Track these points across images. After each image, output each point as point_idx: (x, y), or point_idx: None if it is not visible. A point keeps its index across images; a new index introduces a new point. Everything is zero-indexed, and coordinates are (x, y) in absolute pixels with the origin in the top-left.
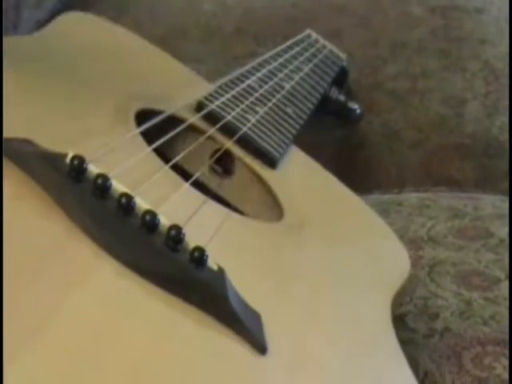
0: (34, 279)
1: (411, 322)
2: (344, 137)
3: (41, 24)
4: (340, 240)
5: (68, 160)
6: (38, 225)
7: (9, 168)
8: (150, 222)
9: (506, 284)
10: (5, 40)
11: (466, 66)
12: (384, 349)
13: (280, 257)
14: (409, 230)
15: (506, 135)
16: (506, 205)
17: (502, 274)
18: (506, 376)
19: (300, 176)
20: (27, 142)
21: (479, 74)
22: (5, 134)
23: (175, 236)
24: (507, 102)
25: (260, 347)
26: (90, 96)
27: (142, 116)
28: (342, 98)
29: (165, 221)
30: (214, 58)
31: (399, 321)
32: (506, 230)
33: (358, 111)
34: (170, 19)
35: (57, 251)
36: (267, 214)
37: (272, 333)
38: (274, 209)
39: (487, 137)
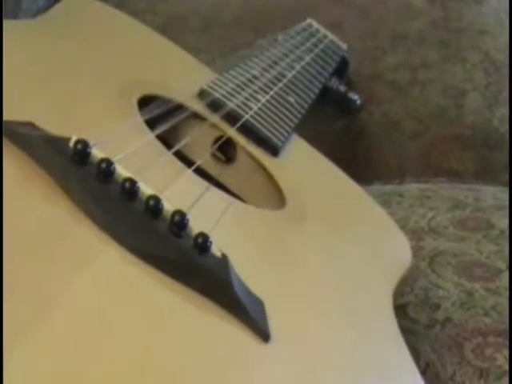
0: (38, 262)
1: (412, 313)
2: (344, 127)
3: (40, 13)
4: (342, 229)
5: (72, 144)
6: (42, 208)
7: (12, 151)
8: (153, 207)
9: (507, 275)
10: (7, 23)
11: (466, 57)
12: (386, 337)
13: (283, 245)
14: (410, 221)
15: (507, 126)
16: (507, 196)
17: (503, 265)
18: (507, 367)
19: (302, 165)
20: (30, 124)
21: (479, 65)
22: (7, 117)
23: (179, 221)
24: (507, 94)
25: (263, 334)
26: (94, 80)
27: (144, 101)
28: (342, 88)
29: (168, 206)
30: (212, 48)
31: (400, 311)
32: (507, 221)
33: (358, 102)
34: (170, 9)
35: (60, 235)
36: (269, 202)
37: (274, 320)
38: (275, 197)
39: (487, 128)
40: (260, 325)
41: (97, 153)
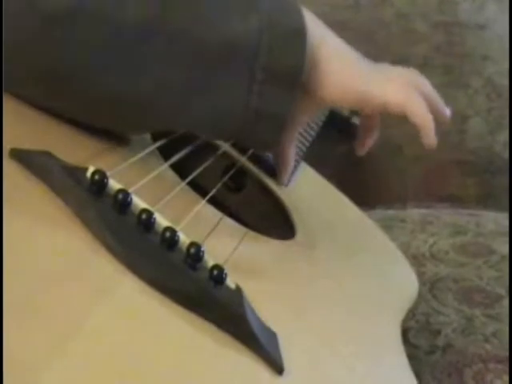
0: (57, 293)
1: (413, 338)
2: (345, 152)
3: None
4: (351, 259)
5: (89, 174)
6: (61, 238)
7: (30, 180)
8: (169, 238)
9: (507, 301)
10: None
11: (469, 83)
12: (395, 369)
13: (294, 275)
14: (411, 247)
15: (508, 152)
16: (507, 222)
17: (504, 291)
18: None
19: (310, 192)
20: (47, 154)
21: (482, 90)
22: (24, 146)
23: (195, 254)
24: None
25: (277, 367)
26: None
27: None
28: (345, 112)
29: (184, 238)
30: None
31: (401, 336)
32: (508, 246)
33: (357, 125)
34: None
35: (79, 265)
36: (279, 230)
37: (287, 352)
38: (285, 225)
39: (489, 153)
40: (274, 357)
41: (114, 183)
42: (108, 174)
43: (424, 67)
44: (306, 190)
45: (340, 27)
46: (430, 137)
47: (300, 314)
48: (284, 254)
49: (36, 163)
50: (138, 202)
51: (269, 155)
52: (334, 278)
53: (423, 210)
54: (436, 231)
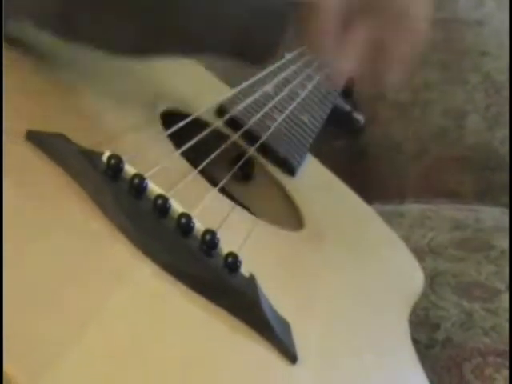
0: (74, 276)
1: (413, 332)
2: (344, 147)
3: None
4: (358, 252)
5: (105, 158)
6: (77, 221)
7: (46, 163)
8: (185, 225)
9: (507, 296)
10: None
11: (467, 79)
12: (404, 361)
13: (303, 266)
14: (410, 241)
15: (507, 148)
16: (507, 217)
17: (503, 286)
18: None
19: (317, 184)
20: (62, 136)
21: (480, 86)
22: (37, 128)
23: (210, 241)
24: (508, 115)
25: (291, 356)
26: (118, 93)
27: (165, 116)
28: (347, 107)
29: (199, 225)
30: (216, 67)
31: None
32: (507, 242)
33: (362, 122)
34: None
35: (95, 249)
36: (287, 221)
37: (299, 342)
38: (293, 216)
39: (488, 149)
40: (287, 346)
41: (129, 168)
42: (124, 158)
43: (422, 64)
44: (313, 181)
45: None
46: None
47: (309, 305)
48: (293, 243)
49: (52, 146)
50: (154, 188)
51: (275, 146)
52: (341, 270)
53: (422, 205)
54: (435, 226)
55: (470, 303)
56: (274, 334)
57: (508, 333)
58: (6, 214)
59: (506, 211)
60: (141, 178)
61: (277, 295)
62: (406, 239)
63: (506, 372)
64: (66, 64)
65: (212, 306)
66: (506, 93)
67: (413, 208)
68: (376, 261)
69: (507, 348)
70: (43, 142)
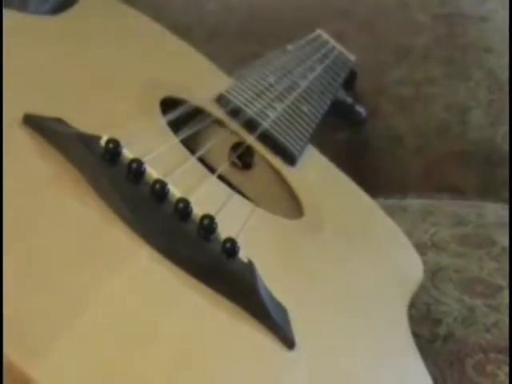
0: (71, 262)
1: (414, 327)
2: (346, 140)
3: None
4: (357, 241)
5: (103, 142)
6: (74, 205)
7: (42, 145)
8: (183, 209)
9: (508, 292)
10: (30, 18)
11: (470, 74)
12: (402, 346)
13: (301, 254)
14: (412, 236)
15: (509, 144)
16: (509, 213)
17: (504, 282)
18: (508, 383)
19: (317, 174)
20: (59, 121)
21: (483, 82)
22: (36, 111)
23: (208, 225)
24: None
25: (288, 342)
26: (116, 80)
27: (164, 103)
28: (349, 99)
29: (197, 210)
30: (217, 59)
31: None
32: (509, 238)
33: (364, 114)
34: (175, 18)
35: (92, 233)
36: (286, 210)
37: (297, 327)
38: (293, 205)
39: (490, 145)
40: (285, 332)
41: (127, 153)
42: (122, 143)
43: (425, 58)
44: (313, 171)
45: (340, 17)
46: None
47: (307, 290)
48: (291, 232)
49: (50, 129)
50: (152, 172)
51: (275, 135)
52: (339, 259)
53: (424, 200)
54: (437, 221)
55: (472, 299)
56: (272, 319)
57: (509, 330)
58: (5, 199)
59: (507, 207)
60: (139, 162)
61: (274, 281)
62: (409, 234)
63: (508, 368)
64: (65, 52)
65: (210, 291)
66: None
67: (415, 203)
68: (375, 251)
69: (509, 344)
70: (41, 125)
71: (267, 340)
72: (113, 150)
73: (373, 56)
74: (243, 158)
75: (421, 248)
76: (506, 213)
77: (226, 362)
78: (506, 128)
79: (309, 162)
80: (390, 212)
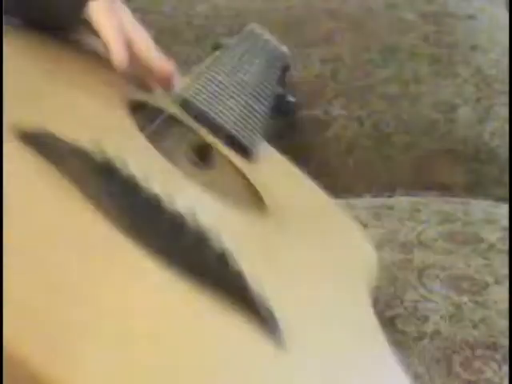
0: (79, 277)
1: (401, 325)
2: (333, 139)
3: None
4: (316, 236)
5: (98, 155)
6: (74, 219)
7: (39, 161)
8: (156, 204)
9: (495, 288)
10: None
11: (458, 72)
12: (370, 333)
13: (267, 247)
14: (399, 234)
15: (497, 141)
16: (497, 210)
17: (491, 279)
18: (496, 380)
19: (275, 170)
20: (51, 135)
21: (470, 79)
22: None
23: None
24: (498, 108)
25: (276, 339)
26: (84, 84)
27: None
28: (280, 90)
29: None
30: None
31: (389, 323)
32: (496, 235)
33: (293, 102)
34: (163, 21)
35: (98, 249)
36: (248, 206)
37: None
38: (254, 201)
39: (478, 142)
40: (273, 328)
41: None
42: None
43: (412, 57)
44: (268, 166)
45: (328, 16)
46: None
47: (285, 280)
48: (259, 226)
49: (43, 144)
50: (148, 186)
51: (231, 131)
52: (301, 251)
53: (412, 198)
54: (424, 219)
55: (459, 296)
56: (257, 305)
57: (509, 328)
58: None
59: (496, 204)
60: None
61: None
62: (396, 232)
63: (495, 365)
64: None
65: (193, 283)
66: (497, 86)
67: (402, 201)
68: (331, 244)
69: (496, 341)
70: (34, 140)
71: (256, 336)
72: (108, 163)
73: (361, 55)
74: (202, 156)
75: (408, 246)
76: (494, 210)
77: (214, 353)
78: (494, 125)
79: (263, 157)
80: (377, 211)
